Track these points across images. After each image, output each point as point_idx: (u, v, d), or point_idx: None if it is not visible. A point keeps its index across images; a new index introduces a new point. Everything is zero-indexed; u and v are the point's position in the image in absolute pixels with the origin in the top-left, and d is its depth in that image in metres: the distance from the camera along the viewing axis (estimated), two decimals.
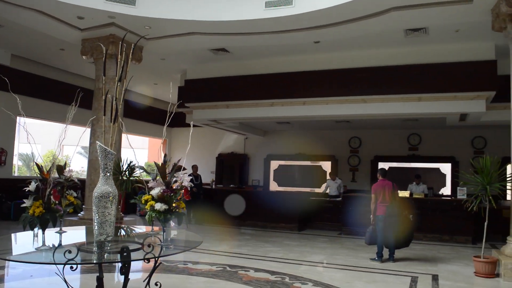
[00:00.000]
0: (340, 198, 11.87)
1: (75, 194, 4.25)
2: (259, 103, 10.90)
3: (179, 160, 4.19)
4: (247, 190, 13.31)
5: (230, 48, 9.94)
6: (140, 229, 5.79)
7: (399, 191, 8.36)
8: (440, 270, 6.82)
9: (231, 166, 17.09)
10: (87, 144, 9.65)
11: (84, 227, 6.22)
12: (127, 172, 8.97)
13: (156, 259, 3.71)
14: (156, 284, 4.11)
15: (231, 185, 14.98)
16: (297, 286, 5.51)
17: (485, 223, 6.66)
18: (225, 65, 11.00)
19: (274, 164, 16.55)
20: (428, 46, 9.27)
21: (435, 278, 6.25)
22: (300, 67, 10.32)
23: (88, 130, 9.27)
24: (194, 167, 12.52)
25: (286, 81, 10.42)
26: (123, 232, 4.93)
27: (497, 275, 6.34)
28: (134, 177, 9.01)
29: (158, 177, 4.22)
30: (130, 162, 9.13)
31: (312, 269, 6.71)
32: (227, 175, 16.94)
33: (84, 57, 9.41)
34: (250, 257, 7.46)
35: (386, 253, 7.53)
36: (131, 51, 4.09)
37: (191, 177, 4.25)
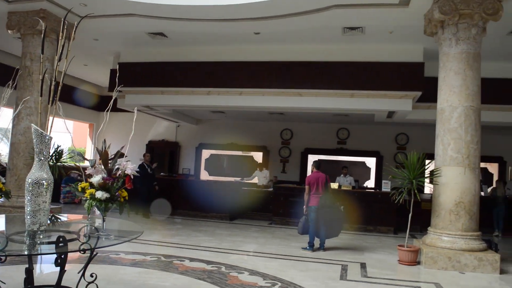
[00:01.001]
0: (271, 189, 12.08)
1: (3, 180, 3.94)
2: (195, 91, 10.74)
3: (122, 147, 4.03)
4: (178, 178, 13.12)
5: (168, 33, 9.68)
6: (64, 217, 5.48)
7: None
8: (367, 258, 7.18)
9: (162, 154, 16.73)
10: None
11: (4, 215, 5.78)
12: (54, 157, 8.48)
13: (92, 249, 3.55)
14: (91, 276, 3.93)
15: (162, 173, 14.69)
16: (234, 275, 5.54)
17: (410, 215, 7.08)
18: (162, 50, 10.70)
19: (206, 153, 16.46)
20: (363, 45, 9.64)
21: (363, 266, 6.57)
22: (239, 57, 10.30)
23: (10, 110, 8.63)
24: (146, 156, 11.88)
25: (224, 70, 10.36)
26: (57, 221, 4.64)
27: (419, 263, 6.79)
28: (62, 162, 8.54)
29: (97, 164, 4.03)
30: (58, 146, 8.63)
31: (247, 258, 6.77)
32: (157, 163, 16.55)
33: (9, 31, 8.70)
34: (183, 247, 7.38)
35: (317, 242, 7.78)
36: (74, 30, 3.83)
37: (134, 165, 4.06)
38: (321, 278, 5.72)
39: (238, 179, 13.12)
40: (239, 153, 16.25)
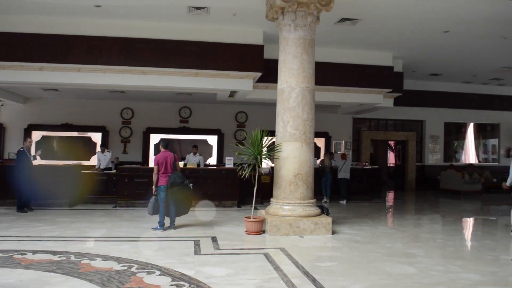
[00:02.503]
0: (114, 171, 11.64)
1: None
2: (25, 65, 9.60)
3: None
4: (5, 164, 11.70)
5: None
6: None
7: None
8: (216, 232, 7.51)
9: None
10: None
11: None
12: None
13: None
14: None
15: None
16: (86, 263, 5.30)
17: (255, 188, 7.61)
18: None
19: (37, 135, 14.97)
20: (208, 25, 9.79)
21: (214, 239, 6.86)
22: (78, 30, 9.51)
23: None
24: (28, 141, 10.14)
25: (60, 44, 9.46)
26: None
27: (264, 232, 7.37)
28: None
29: None
30: None
31: (97, 244, 6.50)
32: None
33: None
34: (23, 239, 6.71)
35: (166, 221, 7.83)
36: None
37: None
38: (177, 255, 5.82)
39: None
40: (75, 134, 15.21)
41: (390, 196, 14.75)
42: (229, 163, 11.32)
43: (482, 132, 18.70)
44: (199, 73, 10.12)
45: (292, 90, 7.68)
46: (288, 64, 7.72)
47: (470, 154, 18.27)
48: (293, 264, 5.37)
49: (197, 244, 6.51)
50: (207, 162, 15.06)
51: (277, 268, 5.18)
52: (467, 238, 7.72)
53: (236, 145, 8.38)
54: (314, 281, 4.70)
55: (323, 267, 5.28)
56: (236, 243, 6.67)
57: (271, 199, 7.90)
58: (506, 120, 18.04)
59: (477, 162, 18.09)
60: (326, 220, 7.39)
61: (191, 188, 7.98)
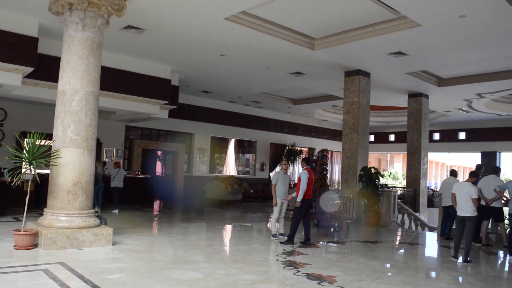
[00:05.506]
0: None
1: None
2: None
3: None
4: None
5: None
6: None
7: None
8: None
9: None
10: None
11: None
12: None
13: None
14: None
15: None
16: None
17: (27, 197, 6.83)
18: None
19: None
20: None
21: None
22: None
23: None
24: None
25: None
26: None
27: (37, 246, 6.62)
28: None
29: None
30: None
31: None
32: None
33: None
34: None
35: None
36: None
37: None
38: None
39: None
40: None
41: (161, 205, 15.00)
42: None
43: (241, 147, 20.95)
44: None
45: (76, 93, 7.20)
46: (73, 64, 7.21)
47: (230, 167, 20.21)
48: (79, 279, 5.02)
49: None
50: None
51: (62, 284, 4.76)
52: (236, 243, 8.52)
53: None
54: None
55: (112, 279, 5.10)
56: (6, 260, 5.80)
57: (45, 210, 7.17)
58: (261, 139, 20.66)
59: (236, 174, 20.11)
60: (107, 230, 7.13)
61: None
